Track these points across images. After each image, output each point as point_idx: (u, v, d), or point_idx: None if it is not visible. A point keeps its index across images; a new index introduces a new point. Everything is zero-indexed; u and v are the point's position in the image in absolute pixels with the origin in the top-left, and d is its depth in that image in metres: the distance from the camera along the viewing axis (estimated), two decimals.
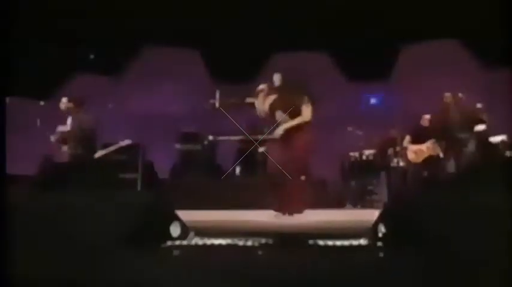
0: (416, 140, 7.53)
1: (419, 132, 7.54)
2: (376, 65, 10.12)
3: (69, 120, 6.57)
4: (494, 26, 8.12)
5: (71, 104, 6.56)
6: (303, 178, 5.22)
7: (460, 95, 7.24)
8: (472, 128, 7.15)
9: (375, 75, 10.39)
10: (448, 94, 7.27)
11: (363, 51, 9.71)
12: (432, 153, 7.34)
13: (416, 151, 7.46)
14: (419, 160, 7.44)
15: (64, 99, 6.61)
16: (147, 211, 3.01)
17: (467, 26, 9.04)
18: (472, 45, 9.71)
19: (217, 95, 9.20)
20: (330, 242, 2.99)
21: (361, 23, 9.54)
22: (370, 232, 2.99)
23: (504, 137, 7.17)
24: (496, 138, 7.20)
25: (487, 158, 6.79)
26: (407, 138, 7.64)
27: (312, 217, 5.20)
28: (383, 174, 8.35)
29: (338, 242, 2.99)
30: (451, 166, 7.05)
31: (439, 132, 7.22)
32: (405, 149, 7.64)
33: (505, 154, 6.89)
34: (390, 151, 8.20)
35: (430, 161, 7.35)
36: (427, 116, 7.57)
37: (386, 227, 2.89)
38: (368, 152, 8.70)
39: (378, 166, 8.49)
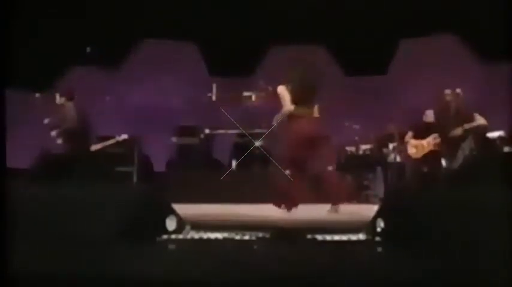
0: (417, 136, 7.49)
1: (421, 128, 7.49)
2: (374, 59, 10.08)
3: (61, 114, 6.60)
4: (493, 20, 8.10)
5: (63, 99, 6.62)
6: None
7: (458, 90, 7.19)
8: (467, 123, 7.12)
9: (373, 69, 10.35)
10: (448, 91, 7.19)
11: (360, 45, 9.66)
12: (433, 148, 7.31)
13: (417, 146, 7.43)
14: (419, 155, 7.40)
15: (57, 96, 6.67)
16: (142, 205, 2.99)
17: (465, 20, 9.01)
18: (470, 40, 9.68)
19: (214, 88, 9.21)
20: (328, 237, 2.97)
21: (359, 16, 9.49)
22: (369, 226, 2.98)
23: (502, 132, 7.13)
24: (493, 134, 7.16)
25: (485, 154, 6.75)
26: (410, 134, 7.60)
27: (309, 211, 5.18)
28: (379, 169, 8.32)
29: (336, 237, 2.97)
30: (449, 162, 7.00)
31: (441, 128, 7.17)
32: (406, 143, 7.59)
33: (503, 149, 6.85)
34: (389, 146, 8.17)
35: (430, 156, 7.30)
36: (430, 111, 7.50)
37: (385, 222, 2.87)
38: (365, 147, 8.66)
39: (374, 160, 8.46)
